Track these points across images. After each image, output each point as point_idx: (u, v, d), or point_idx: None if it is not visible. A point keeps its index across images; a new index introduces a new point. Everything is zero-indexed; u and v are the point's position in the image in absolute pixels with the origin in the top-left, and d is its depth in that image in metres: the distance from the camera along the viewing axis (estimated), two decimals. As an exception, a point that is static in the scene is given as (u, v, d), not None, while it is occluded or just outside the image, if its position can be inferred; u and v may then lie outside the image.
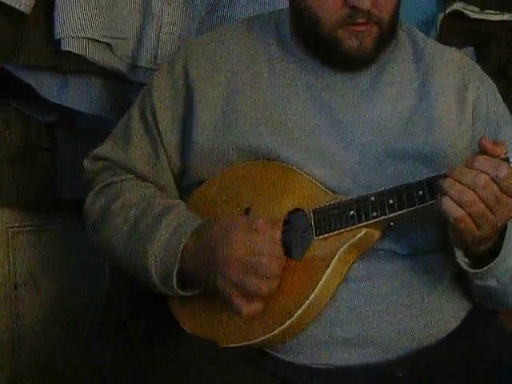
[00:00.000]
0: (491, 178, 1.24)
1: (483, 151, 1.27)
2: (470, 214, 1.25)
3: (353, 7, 1.39)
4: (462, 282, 1.45)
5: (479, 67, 1.59)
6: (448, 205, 1.25)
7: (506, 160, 1.27)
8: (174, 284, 1.40)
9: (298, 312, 1.35)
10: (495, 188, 1.25)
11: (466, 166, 1.26)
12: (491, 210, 1.26)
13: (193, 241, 1.39)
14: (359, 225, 1.36)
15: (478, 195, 1.24)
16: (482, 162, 1.26)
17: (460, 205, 1.25)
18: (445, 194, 1.26)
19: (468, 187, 1.24)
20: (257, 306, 1.35)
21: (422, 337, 1.41)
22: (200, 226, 1.40)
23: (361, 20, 1.40)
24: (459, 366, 1.39)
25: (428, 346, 1.41)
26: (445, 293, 1.44)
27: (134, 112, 1.57)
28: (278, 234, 1.37)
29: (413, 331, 1.40)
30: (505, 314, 1.57)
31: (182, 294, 1.41)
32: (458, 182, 1.25)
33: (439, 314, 1.43)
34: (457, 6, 1.94)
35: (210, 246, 1.37)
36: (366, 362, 1.39)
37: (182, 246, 1.39)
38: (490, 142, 1.27)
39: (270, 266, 1.33)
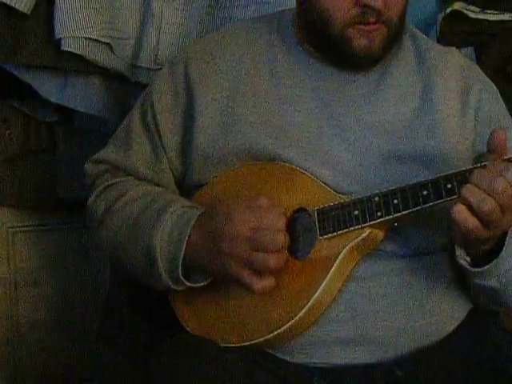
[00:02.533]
0: (507, 181, 1.24)
1: (493, 142, 1.27)
2: (482, 221, 1.25)
3: (365, 6, 1.40)
4: (462, 282, 1.45)
5: (481, 70, 1.59)
6: (462, 216, 1.25)
7: (510, 161, 1.27)
8: (180, 273, 1.39)
9: (301, 312, 1.35)
10: (510, 191, 1.25)
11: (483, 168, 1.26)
12: (503, 214, 1.26)
13: (198, 226, 1.39)
14: (363, 225, 1.35)
15: (497, 202, 1.24)
16: (494, 164, 1.26)
17: (479, 214, 1.24)
18: (465, 201, 1.25)
19: (487, 193, 1.24)
20: (269, 281, 1.35)
21: (421, 337, 1.41)
22: (204, 212, 1.41)
23: (371, 19, 1.41)
24: (459, 365, 1.40)
25: (428, 345, 1.41)
26: (445, 293, 1.44)
27: (135, 114, 1.57)
28: (281, 210, 1.37)
29: (412, 331, 1.40)
30: (505, 314, 1.58)
31: (188, 284, 1.40)
32: (477, 187, 1.25)
33: (439, 314, 1.43)
34: (457, 6, 1.94)
35: (214, 228, 1.37)
36: (365, 362, 1.39)
37: (188, 231, 1.39)
38: (504, 135, 1.27)
39: (276, 239, 1.33)
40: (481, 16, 1.95)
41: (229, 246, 1.35)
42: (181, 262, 1.38)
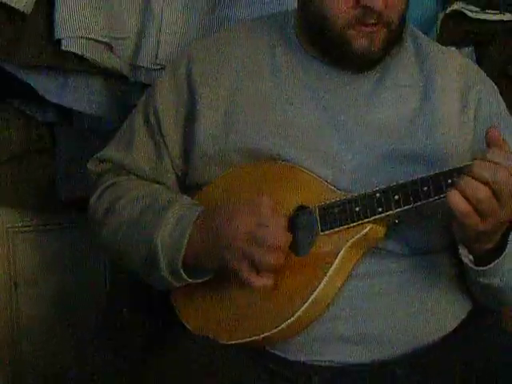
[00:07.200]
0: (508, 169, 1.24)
1: (492, 142, 1.27)
2: (478, 210, 1.25)
3: (365, 7, 1.39)
4: (462, 281, 1.45)
5: (481, 70, 1.59)
6: (456, 199, 1.25)
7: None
8: (180, 267, 1.40)
9: (301, 309, 1.35)
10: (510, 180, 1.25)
11: (483, 160, 1.26)
12: (502, 205, 1.26)
13: (199, 225, 1.40)
14: (365, 220, 1.36)
15: (493, 191, 1.24)
16: (497, 154, 1.26)
17: (472, 201, 1.25)
18: (459, 189, 1.25)
19: (486, 182, 1.24)
20: (268, 279, 1.35)
21: (421, 335, 1.41)
22: (205, 211, 1.42)
23: (371, 20, 1.41)
24: (458, 365, 1.39)
25: (428, 344, 1.42)
26: (445, 292, 1.44)
27: (138, 114, 1.58)
28: (282, 211, 1.38)
29: (413, 329, 1.41)
30: (505, 314, 1.58)
31: (190, 280, 1.41)
32: (473, 178, 1.25)
33: (439, 313, 1.43)
34: (457, 5, 1.94)
35: (216, 224, 1.38)
36: (365, 360, 1.39)
37: (189, 230, 1.39)
38: (499, 133, 1.28)
39: (277, 237, 1.34)
40: (481, 16, 1.95)
41: (229, 240, 1.36)
42: (182, 257, 1.39)
